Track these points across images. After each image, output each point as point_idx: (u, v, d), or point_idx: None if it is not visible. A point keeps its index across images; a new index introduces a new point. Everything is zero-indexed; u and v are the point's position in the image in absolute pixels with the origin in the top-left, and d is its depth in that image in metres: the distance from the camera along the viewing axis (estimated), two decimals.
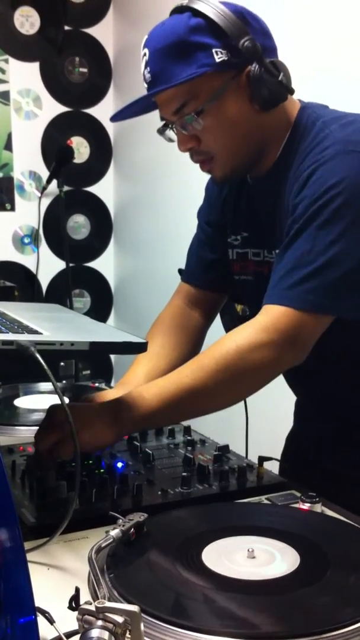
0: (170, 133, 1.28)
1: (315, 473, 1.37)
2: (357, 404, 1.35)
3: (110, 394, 1.36)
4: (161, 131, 1.29)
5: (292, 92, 1.23)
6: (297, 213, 1.17)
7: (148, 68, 1.21)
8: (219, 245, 1.47)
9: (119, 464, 1.22)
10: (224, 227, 1.45)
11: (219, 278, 1.49)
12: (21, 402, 1.67)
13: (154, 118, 1.29)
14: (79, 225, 3.89)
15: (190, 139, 1.25)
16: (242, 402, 1.38)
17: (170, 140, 1.30)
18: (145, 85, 1.23)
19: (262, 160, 1.29)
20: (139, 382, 1.37)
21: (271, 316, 1.16)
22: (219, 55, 1.17)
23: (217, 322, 1.58)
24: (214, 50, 1.17)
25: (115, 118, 1.31)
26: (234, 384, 1.18)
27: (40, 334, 1.05)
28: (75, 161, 3.63)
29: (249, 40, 1.16)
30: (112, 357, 3.94)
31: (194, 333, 1.52)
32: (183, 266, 1.56)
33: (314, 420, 1.45)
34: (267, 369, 1.18)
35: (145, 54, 1.21)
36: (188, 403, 1.18)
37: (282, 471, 1.33)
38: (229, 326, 1.50)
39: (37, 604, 0.68)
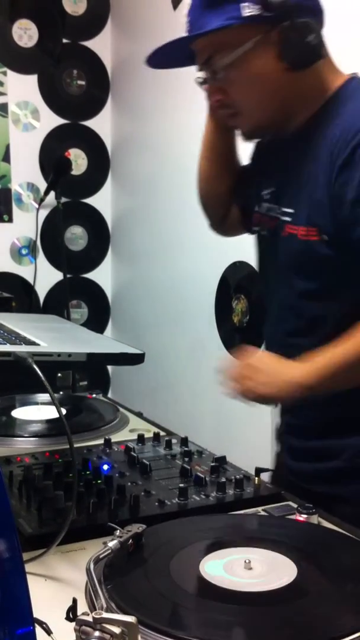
0: None
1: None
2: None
3: None
4: (200, 82, 1.30)
5: (322, 55, 1.22)
6: None
7: (189, 17, 1.23)
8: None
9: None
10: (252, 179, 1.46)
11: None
12: (18, 413, 1.67)
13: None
14: (76, 236, 3.90)
15: (218, 90, 1.26)
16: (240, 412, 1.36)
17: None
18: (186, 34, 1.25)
19: (289, 122, 1.29)
20: None
21: None
22: (248, 10, 1.17)
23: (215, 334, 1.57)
24: (243, 4, 1.17)
25: (150, 61, 1.29)
26: None
27: (38, 345, 1.06)
28: (73, 173, 3.64)
29: None
30: (109, 368, 3.94)
31: None
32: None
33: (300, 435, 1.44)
34: None
35: (188, 3, 1.23)
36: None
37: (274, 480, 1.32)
38: (226, 338, 1.50)
39: (34, 614, 0.68)
